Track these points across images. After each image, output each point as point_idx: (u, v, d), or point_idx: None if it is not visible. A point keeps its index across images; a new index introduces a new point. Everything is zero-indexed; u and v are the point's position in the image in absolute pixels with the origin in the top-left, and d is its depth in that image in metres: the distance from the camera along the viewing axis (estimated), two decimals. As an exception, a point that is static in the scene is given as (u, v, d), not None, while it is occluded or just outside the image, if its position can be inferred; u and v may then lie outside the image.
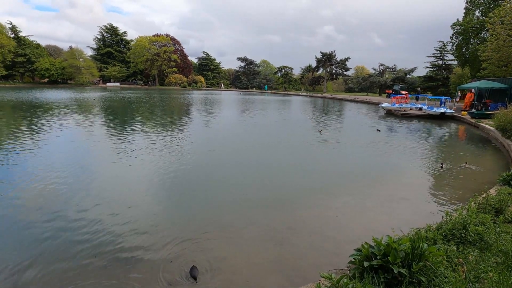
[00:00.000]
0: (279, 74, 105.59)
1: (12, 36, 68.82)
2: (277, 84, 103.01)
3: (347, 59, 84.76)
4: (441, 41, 54.47)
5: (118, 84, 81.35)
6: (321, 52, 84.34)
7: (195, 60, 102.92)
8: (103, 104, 30.23)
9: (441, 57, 56.08)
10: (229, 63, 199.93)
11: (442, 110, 23.44)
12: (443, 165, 9.56)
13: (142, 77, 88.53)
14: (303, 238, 5.09)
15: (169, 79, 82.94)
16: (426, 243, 3.12)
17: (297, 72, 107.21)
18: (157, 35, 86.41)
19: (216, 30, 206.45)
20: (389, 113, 27.79)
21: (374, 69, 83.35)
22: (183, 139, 13.13)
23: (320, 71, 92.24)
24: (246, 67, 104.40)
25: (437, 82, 54.19)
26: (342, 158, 10.71)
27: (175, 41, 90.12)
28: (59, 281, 3.82)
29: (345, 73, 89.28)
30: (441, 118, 23.20)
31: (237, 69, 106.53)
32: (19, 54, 67.46)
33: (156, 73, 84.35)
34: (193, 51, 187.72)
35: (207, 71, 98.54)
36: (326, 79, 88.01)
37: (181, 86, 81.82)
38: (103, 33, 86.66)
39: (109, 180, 7.76)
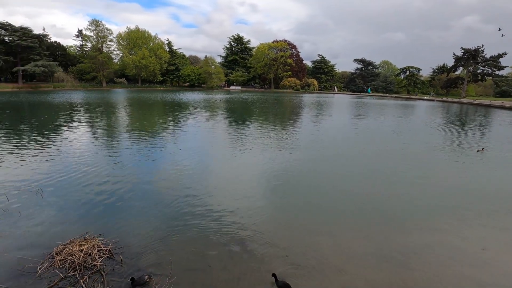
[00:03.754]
0: (402, 76, 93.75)
1: (167, 49, 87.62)
2: (398, 87, 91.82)
3: (501, 55, 66.92)
4: None
5: (239, 87, 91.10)
6: (462, 49, 69.72)
7: (309, 64, 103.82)
8: (226, 105, 34.48)
9: None
10: (343, 65, 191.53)
11: None
12: None
13: (260, 81, 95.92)
14: (431, 268, 4.33)
15: (284, 82, 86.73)
16: None
17: (425, 73, 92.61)
18: (276, 41, 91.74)
19: (331, 33, 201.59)
20: None
21: (546, 67, 62.00)
22: (294, 139, 13.41)
23: (459, 71, 76.55)
24: (363, 68, 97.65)
25: None
26: (496, 180, 8.48)
27: (292, 46, 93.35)
28: (186, 248, 4.58)
29: (496, 73, 70.71)
30: None
31: (353, 71, 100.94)
32: (171, 64, 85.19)
33: (272, 77, 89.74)
34: (306, 54, 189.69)
35: (321, 74, 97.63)
36: (466, 81, 72.17)
37: (294, 89, 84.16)
38: (231, 42, 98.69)
39: (226, 171, 8.75)
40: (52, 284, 3.76)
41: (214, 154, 10.87)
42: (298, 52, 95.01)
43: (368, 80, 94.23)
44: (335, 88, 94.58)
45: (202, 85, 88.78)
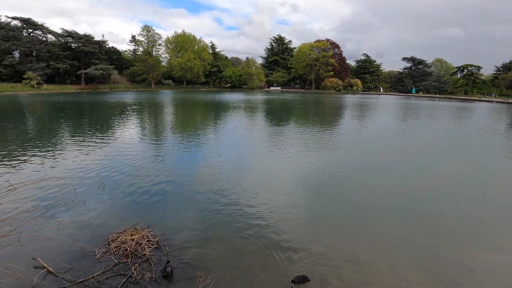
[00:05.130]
0: (459, 75, 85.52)
1: (211, 52, 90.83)
2: (454, 87, 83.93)
3: None
4: None
5: (279, 88, 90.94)
6: (534, 43, 61.16)
7: (353, 63, 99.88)
8: (266, 105, 34.65)
9: None
10: (390, 64, 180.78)
11: None
12: None
13: (300, 81, 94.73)
14: (493, 289, 3.87)
15: (325, 83, 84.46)
16: None
17: (487, 71, 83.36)
18: (318, 41, 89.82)
19: (376, 31, 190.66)
20: None
21: None
22: (335, 141, 12.98)
23: (529, 69, 67.46)
24: (413, 67, 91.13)
25: None
26: None
27: (334, 45, 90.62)
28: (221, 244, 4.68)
29: None
30: None
31: (401, 70, 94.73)
32: (214, 65, 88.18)
33: (313, 77, 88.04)
34: (350, 53, 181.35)
35: (365, 74, 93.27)
36: (539, 80, 63.28)
37: (336, 90, 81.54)
38: (272, 43, 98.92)
39: (265, 171, 8.76)
40: (108, 268, 4.12)
41: (253, 153, 11.00)
42: (341, 51, 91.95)
43: (418, 80, 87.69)
44: (381, 88, 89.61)
45: (243, 86, 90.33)
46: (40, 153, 10.11)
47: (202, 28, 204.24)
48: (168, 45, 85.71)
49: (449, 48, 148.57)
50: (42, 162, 9.04)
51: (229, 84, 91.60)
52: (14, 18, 61.07)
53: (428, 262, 4.41)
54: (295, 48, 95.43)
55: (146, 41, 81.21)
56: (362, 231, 5.32)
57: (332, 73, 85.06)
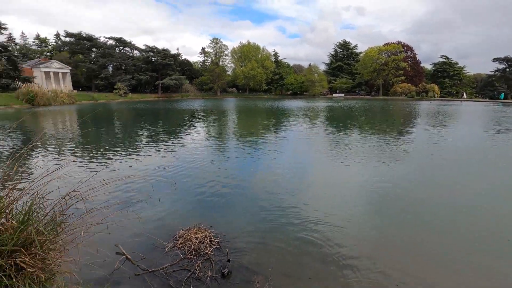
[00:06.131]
0: None
1: (273, 60, 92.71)
2: None
3: None
4: None
5: (342, 94, 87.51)
6: None
7: (429, 67, 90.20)
8: (328, 113, 33.61)
9: None
10: (475, 66, 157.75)
11: None
12: None
13: (366, 87, 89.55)
14: None
15: (395, 88, 78.03)
16: None
17: None
18: (387, 44, 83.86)
19: (457, 29, 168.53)
20: None
21: None
22: (404, 153, 11.80)
23: None
24: (507, 69, 77.73)
25: None
26: None
27: (407, 48, 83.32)
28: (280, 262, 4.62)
29: None
30: None
31: (491, 73, 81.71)
32: (276, 73, 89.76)
33: (381, 83, 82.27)
34: (425, 56, 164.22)
35: (444, 78, 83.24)
36: None
37: (407, 96, 74.54)
38: (337, 49, 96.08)
39: (325, 179, 8.42)
40: (175, 262, 4.49)
41: (314, 161, 10.75)
42: (415, 54, 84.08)
43: (514, 83, 74.29)
44: (464, 94, 78.61)
45: (304, 93, 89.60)
46: (126, 153, 11.67)
47: (266, 37, 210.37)
48: (234, 55, 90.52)
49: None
50: (127, 161, 10.41)
51: (291, 91, 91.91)
52: (109, 38, 72.64)
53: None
54: (361, 52, 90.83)
55: (214, 52, 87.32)
56: (438, 256, 4.68)
57: (403, 77, 78.27)
